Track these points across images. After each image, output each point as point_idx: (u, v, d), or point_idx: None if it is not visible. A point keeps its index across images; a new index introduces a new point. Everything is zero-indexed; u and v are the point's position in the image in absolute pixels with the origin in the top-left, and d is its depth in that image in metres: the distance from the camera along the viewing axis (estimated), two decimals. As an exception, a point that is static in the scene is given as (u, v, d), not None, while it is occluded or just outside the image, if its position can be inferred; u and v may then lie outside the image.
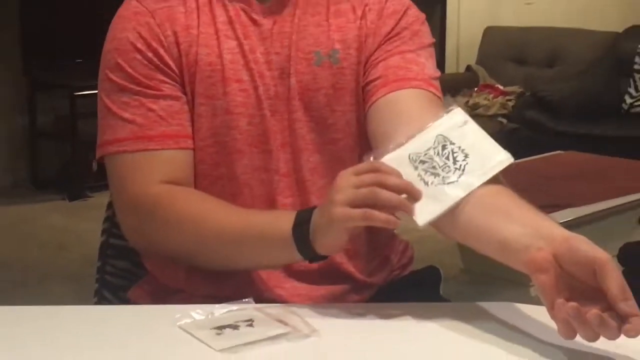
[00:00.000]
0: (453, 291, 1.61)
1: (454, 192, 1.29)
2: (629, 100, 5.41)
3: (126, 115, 1.44)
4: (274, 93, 1.47)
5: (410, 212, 1.26)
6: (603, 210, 3.57)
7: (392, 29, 1.51)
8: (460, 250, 3.92)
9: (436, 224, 1.31)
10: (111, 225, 1.67)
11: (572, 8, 6.01)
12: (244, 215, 1.40)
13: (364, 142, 1.50)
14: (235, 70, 1.46)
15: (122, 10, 1.50)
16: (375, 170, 1.25)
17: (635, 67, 5.42)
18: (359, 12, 1.52)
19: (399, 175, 1.26)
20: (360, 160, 1.47)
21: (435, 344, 1.26)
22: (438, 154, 1.32)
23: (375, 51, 1.50)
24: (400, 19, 1.52)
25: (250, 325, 1.27)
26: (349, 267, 1.52)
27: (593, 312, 1.07)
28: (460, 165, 1.32)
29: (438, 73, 1.54)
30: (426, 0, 5.97)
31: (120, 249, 1.66)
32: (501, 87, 5.74)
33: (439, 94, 1.50)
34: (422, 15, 1.57)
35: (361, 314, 1.37)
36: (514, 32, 6.06)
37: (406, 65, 1.48)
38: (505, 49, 6.05)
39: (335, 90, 1.49)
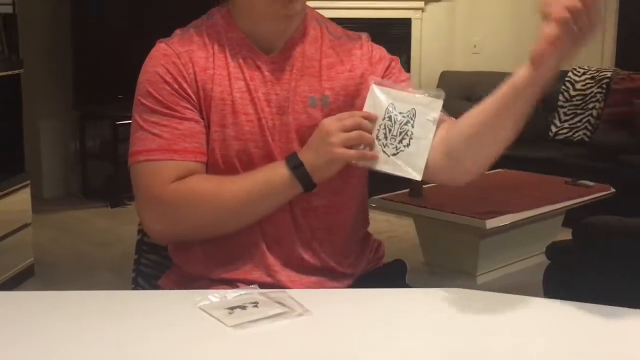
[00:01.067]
0: (416, 279, 1.61)
1: (379, 162, 1.37)
2: (554, 129, 5.42)
3: (155, 131, 1.43)
4: (271, 124, 1.46)
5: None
6: (534, 215, 3.58)
7: (386, 69, 1.53)
8: (422, 247, 3.92)
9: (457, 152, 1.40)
10: (145, 227, 1.66)
11: (510, 55, 6.02)
12: (246, 177, 1.43)
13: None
14: (243, 105, 1.46)
15: (153, 52, 1.49)
16: (353, 116, 1.38)
17: (559, 103, 5.44)
18: (348, 66, 1.51)
19: (373, 118, 1.39)
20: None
21: (401, 321, 1.26)
22: (401, 123, 1.37)
23: None
24: (388, 65, 1.54)
25: (256, 306, 1.27)
26: (331, 262, 1.52)
27: None
28: (398, 148, 1.36)
29: None
30: (394, 51, 6.00)
31: (152, 246, 1.65)
32: (454, 119, 5.73)
33: None
34: (398, 59, 1.58)
35: (343, 298, 1.37)
36: (464, 75, 6.07)
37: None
38: (458, 89, 6.05)
39: None
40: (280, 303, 1.28)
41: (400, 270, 1.63)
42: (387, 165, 1.37)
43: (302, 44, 1.50)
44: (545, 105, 5.54)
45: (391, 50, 1.59)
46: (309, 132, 1.46)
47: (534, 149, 5.16)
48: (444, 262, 3.78)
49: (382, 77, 1.51)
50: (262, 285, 1.42)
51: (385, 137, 1.37)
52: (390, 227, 4.28)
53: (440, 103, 1.38)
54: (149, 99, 1.44)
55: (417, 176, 1.37)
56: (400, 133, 1.36)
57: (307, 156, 1.39)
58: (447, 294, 1.35)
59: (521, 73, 1.27)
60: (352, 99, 1.50)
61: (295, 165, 1.39)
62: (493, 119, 1.33)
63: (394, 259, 1.65)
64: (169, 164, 1.42)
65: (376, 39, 1.61)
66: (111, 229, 4.73)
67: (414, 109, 1.37)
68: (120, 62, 5.14)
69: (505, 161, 4.96)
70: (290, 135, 1.47)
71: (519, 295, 1.36)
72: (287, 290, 1.35)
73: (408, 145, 1.36)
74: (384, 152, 1.37)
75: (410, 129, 1.37)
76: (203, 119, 1.46)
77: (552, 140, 5.38)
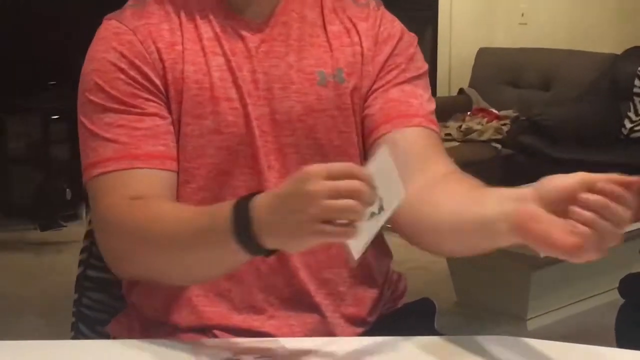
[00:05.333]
0: (447, 325, 1.61)
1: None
2: (628, 124, 5.41)
3: (109, 135, 1.43)
4: (259, 113, 1.47)
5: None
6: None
7: (389, 56, 1.53)
8: (454, 281, 3.93)
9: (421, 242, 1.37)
10: (89, 256, 1.66)
11: (568, 28, 6.03)
12: (189, 215, 1.36)
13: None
14: (224, 88, 1.46)
15: (101, 32, 1.50)
16: (352, 175, 1.15)
17: (635, 90, 5.43)
18: (355, 38, 1.53)
19: (370, 184, 1.17)
20: None
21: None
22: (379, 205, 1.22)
23: (375, 81, 1.53)
24: (396, 45, 1.55)
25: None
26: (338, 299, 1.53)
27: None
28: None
29: (434, 104, 1.56)
30: (417, 20, 6.01)
31: (98, 281, 1.66)
32: (495, 111, 5.74)
33: (437, 128, 1.54)
34: (415, 37, 1.59)
35: (355, 348, 1.37)
36: (508, 53, 6.08)
37: (407, 100, 1.52)
38: (499, 71, 6.06)
39: (342, 111, 1.50)
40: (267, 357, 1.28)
41: (427, 311, 1.63)
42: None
43: (300, 6, 1.52)
44: (617, 93, 5.55)
45: (411, 23, 1.60)
46: (321, 118, 1.48)
47: (602, 151, 5.18)
48: (484, 301, 3.79)
49: (382, 68, 1.53)
50: (247, 333, 1.43)
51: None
52: (412, 255, 4.27)
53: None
54: (98, 94, 1.45)
55: (356, 257, 1.21)
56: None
57: (268, 210, 1.21)
58: (489, 343, 1.36)
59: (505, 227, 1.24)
60: (370, 85, 1.52)
61: (240, 217, 1.23)
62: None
63: (418, 297, 1.65)
64: (129, 175, 1.42)
65: (391, 9, 1.60)
66: (41, 259, 4.74)
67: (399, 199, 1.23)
68: (50, 40, 5.16)
69: (564, 168, 4.90)
70: (296, 125, 1.48)
71: (584, 344, 1.37)
72: (279, 339, 1.36)
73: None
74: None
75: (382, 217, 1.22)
76: (171, 112, 1.47)
77: (626, 139, 5.38)
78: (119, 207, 1.40)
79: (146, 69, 1.46)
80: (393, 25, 1.57)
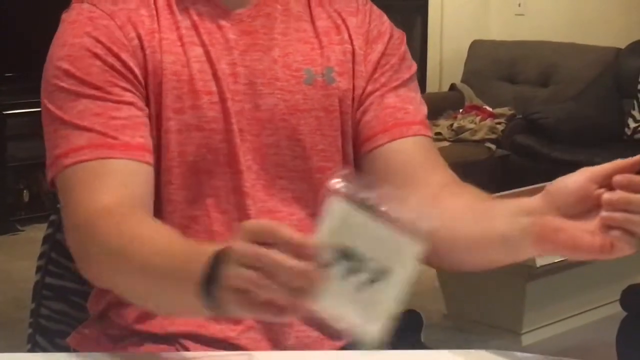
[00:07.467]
0: (435, 339, 1.62)
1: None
2: (632, 124, 5.43)
3: (83, 123, 1.41)
4: (239, 109, 1.48)
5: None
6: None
7: (382, 55, 1.56)
8: (443, 292, 3.93)
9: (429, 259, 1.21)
10: (47, 262, 1.67)
11: (569, 19, 6.05)
12: (167, 247, 1.27)
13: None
14: (204, 81, 1.47)
15: (72, 16, 1.49)
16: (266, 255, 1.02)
17: (640, 87, 5.46)
18: (345, 35, 1.55)
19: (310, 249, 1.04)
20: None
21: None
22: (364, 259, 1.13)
23: (369, 82, 1.55)
24: (387, 43, 1.58)
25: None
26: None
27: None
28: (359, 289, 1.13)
29: (426, 107, 1.60)
30: (405, 10, 6.01)
31: (57, 290, 1.66)
32: (489, 109, 5.75)
33: (431, 133, 1.60)
34: (404, 34, 1.62)
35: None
36: (504, 46, 6.09)
37: (403, 106, 1.56)
38: (494, 65, 6.07)
39: (328, 113, 1.52)
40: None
41: (413, 324, 1.64)
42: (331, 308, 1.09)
43: None
44: (620, 90, 5.57)
45: (399, 14, 1.62)
46: (305, 119, 1.49)
47: (604, 152, 5.18)
48: (475, 314, 3.80)
49: (374, 69, 1.56)
50: (222, 344, 1.43)
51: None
52: (397, 263, 4.29)
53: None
54: (69, 80, 1.44)
55: (375, 331, 1.12)
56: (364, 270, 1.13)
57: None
58: (480, 358, 1.36)
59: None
60: (364, 87, 1.54)
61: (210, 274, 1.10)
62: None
63: (404, 309, 1.66)
64: (105, 166, 1.40)
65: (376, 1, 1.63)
66: (-5, 266, 4.73)
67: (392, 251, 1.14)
68: (8, 30, 5.15)
69: (564, 169, 4.92)
70: (272, 125, 1.49)
71: (583, 360, 1.38)
72: (252, 353, 1.36)
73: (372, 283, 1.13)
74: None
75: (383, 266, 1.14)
76: (150, 106, 1.46)
77: (630, 139, 5.40)
78: (95, 211, 1.37)
79: (125, 57, 1.45)
80: (382, 21, 1.59)
